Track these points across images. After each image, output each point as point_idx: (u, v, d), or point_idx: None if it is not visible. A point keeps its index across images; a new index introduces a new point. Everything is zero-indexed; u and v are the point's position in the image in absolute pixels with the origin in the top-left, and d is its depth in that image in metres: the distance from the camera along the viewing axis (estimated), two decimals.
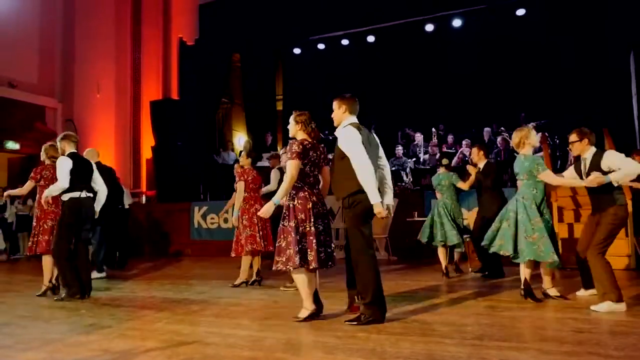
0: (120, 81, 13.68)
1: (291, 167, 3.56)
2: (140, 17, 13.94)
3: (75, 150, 5.09)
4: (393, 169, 10.19)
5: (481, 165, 5.80)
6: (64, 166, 4.90)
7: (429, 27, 11.35)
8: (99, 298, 5.01)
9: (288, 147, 3.68)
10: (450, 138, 10.61)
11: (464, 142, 9.97)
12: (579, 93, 9.72)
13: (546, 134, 8.50)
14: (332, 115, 3.74)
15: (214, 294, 5.03)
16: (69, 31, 12.64)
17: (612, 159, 3.91)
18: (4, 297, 5.19)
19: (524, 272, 4.18)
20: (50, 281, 5.22)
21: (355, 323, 3.47)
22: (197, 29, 12.73)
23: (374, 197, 3.43)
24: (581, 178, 4.09)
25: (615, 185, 3.89)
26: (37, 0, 12.01)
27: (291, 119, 3.83)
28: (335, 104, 3.71)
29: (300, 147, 3.61)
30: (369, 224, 3.60)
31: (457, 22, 11.13)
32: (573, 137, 4.12)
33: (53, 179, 5.10)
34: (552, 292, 4.30)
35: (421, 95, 11.59)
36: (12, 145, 11.75)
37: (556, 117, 9.62)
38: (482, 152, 5.84)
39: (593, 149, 4.03)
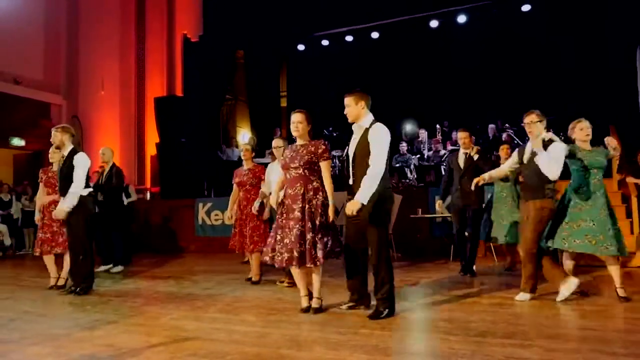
0: (125, 78, 13.69)
1: (330, 166, 3.76)
2: (144, 14, 13.93)
3: (73, 146, 5.00)
4: (397, 165, 10.18)
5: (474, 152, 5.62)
6: (87, 165, 4.86)
7: (434, 23, 11.31)
8: (104, 293, 5.04)
9: (322, 151, 3.74)
10: (454, 135, 10.57)
11: None
12: (584, 89, 9.65)
13: (551, 130, 8.45)
14: (347, 112, 3.66)
15: (219, 290, 5.04)
16: (74, 28, 12.68)
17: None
18: (10, 293, 5.23)
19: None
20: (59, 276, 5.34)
21: (377, 318, 3.53)
22: (201, 26, 12.72)
23: (365, 197, 3.46)
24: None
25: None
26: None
27: (302, 118, 3.80)
28: (351, 100, 3.64)
29: None
30: (389, 221, 3.73)
31: (461, 18, 11.08)
32: (534, 118, 4.16)
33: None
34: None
35: (426, 91, 11.55)
36: (17, 141, 11.82)
37: (561, 114, 9.57)
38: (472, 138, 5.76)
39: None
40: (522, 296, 4.09)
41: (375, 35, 11.92)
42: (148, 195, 12.43)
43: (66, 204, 4.73)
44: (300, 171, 3.74)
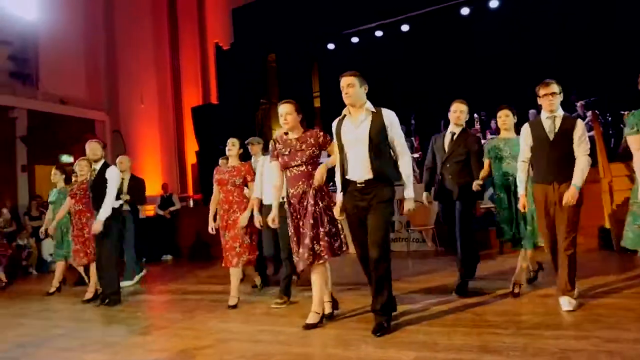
0: (162, 90, 14.13)
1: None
2: (177, 27, 14.36)
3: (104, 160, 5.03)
4: None
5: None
6: (118, 179, 4.96)
7: (465, 11, 11.02)
8: (153, 300, 5.20)
9: (323, 139, 3.61)
10: (493, 123, 10.29)
11: None
12: (628, 69, 9.16)
13: (597, 111, 8.09)
14: (351, 92, 3.40)
15: (263, 292, 5.11)
16: (111, 47, 13.16)
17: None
18: (65, 303, 5.46)
19: None
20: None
21: (382, 333, 3.12)
22: (232, 33, 12.94)
23: (412, 191, 3.32)
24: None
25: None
26: (81, 21, 12.56)
27: (290, 109, 3.62)
28: (357, 80, 3.46)
29: None
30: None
31: (493, 3, 10.75)
32: (555, 88, 3.69)
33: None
34: None
35: (461, 81, 11.26)
36: (66, 158, 12.37)
37: (606, 94, 9.14)
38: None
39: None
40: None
41: (405, 28, 11.74)
42: (191, 203, 12.74)
43: (102, 216, 4.77)
44: (303, 168, 3.52)
